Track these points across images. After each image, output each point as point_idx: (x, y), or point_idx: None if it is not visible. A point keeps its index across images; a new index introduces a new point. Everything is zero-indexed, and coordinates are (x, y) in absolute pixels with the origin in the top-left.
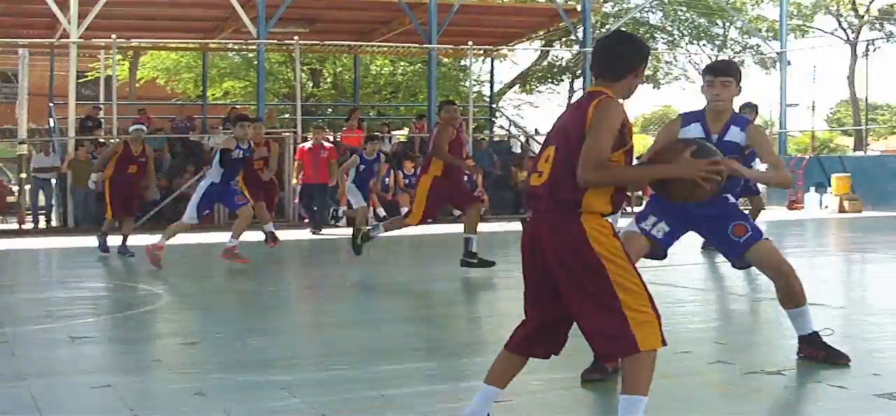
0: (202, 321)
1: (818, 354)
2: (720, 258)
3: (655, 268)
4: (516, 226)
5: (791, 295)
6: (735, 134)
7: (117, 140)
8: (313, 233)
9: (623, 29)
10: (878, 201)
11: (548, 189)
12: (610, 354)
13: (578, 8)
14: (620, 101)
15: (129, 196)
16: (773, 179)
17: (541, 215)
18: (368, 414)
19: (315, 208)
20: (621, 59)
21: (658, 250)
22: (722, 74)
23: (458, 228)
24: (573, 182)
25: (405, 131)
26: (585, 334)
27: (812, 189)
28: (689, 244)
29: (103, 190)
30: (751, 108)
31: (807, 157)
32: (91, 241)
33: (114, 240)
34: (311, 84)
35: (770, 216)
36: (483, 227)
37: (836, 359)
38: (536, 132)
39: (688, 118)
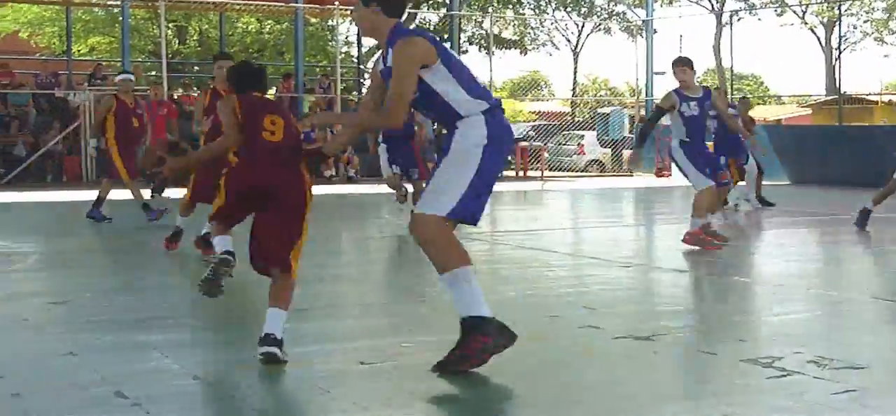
0: (70, 280)
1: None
2: (587, 224)
3: (526, 233)
4: (386, 187)
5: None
6: (390, 59)
7: (107, 95)
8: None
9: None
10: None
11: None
12: (267, 264)
13: None
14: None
15: (133, 155)
16: (362, 122)
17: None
18: (239, 375)
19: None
20: None
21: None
22: None
23: (327, 189)
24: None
25: (273, 91)
26: (260, 243)
27: None
28: (560, 211)
29: (110, 155)
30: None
31: None
32: None
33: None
34: (177, 41)
35: (638, 183)
36: (348, 188)
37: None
38: None
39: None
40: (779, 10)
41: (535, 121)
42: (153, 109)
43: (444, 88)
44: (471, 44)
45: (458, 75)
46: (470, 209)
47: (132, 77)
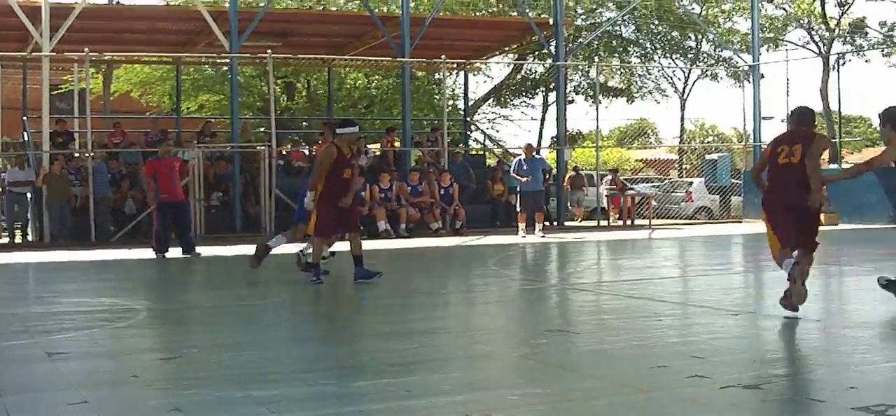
0: (179, 336)
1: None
2: (695, 272)
3: (634, 282)
4: (492, 239)
5: None
6: None
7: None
8: (159, 255)
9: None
10: (854, 214)
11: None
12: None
13: (551, 21)
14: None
15: (349, 209)
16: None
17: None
18: None
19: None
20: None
21: None
22: None
23: (434, 242)
24: None
25: (377, 145)
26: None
27: None
28: (668, 260)
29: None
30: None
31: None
32: (67, 256)
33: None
34: (285, 98)
35: (746, 229)
36: (454, 240)
37: None
38: (503, 150)
39: None
40: (886, 50)
41: (642, 169)
42: (169, 166)
43: None
44: (577, 93)
45: None
46: None
47: (357, 131)
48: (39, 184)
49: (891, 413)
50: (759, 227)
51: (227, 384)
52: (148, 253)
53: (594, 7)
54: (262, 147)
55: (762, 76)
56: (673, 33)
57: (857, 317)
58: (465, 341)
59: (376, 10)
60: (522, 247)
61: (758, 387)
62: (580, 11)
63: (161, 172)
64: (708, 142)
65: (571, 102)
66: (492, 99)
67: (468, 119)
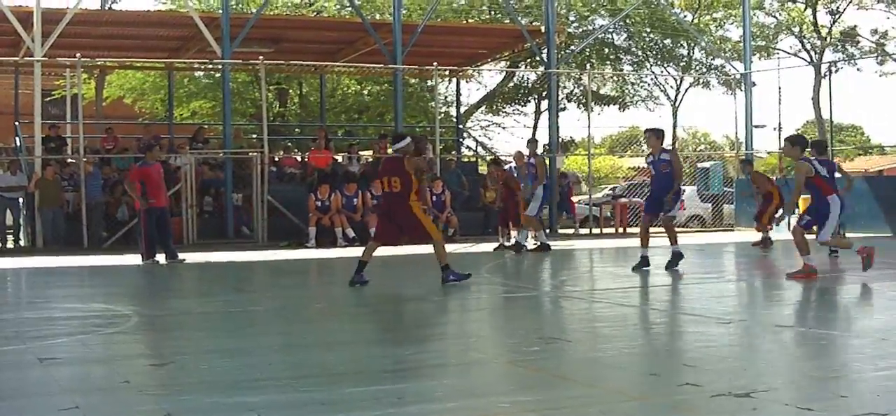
0: (170, 342)
1: None
2: (688, 280)
3: (626, 290)
4: (485, 246)
5: None
6: None
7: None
8: (168, 260)
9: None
10: (845, 222)
11: None
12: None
13: (542, 29)
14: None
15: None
16: None
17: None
18: None
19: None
20: None
21: None
22: None
23: (426, 248)
24: None
25: (370, 152)
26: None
27: (780, 210)
28: (660, 268)
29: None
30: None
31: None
32: (59, 261)
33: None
34: (277, 104)
35: (738, 237)
36: (447, 247)
37: None
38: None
39: None
40: (879, 59)
41: (634, 177)
42: (157, 171)
43: None
44: (569, 100)
45: None
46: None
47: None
48: (32, 189)
49: None
50: (750, 235)
51: (217, 389)
52: (139, 259)
53: (586, 15)
54: (255, 153)
55: (754, 84)
56: (665, 41)
57: (852, 325)
58: (458, 348)
59: (368, 17)
60: (514, 254)
61: (748, 395)
62: (572, 19)
63: (150, 178)
64: (700, 150)
65: (563, 109)
66: (484, 106)
67: (460, 126)
